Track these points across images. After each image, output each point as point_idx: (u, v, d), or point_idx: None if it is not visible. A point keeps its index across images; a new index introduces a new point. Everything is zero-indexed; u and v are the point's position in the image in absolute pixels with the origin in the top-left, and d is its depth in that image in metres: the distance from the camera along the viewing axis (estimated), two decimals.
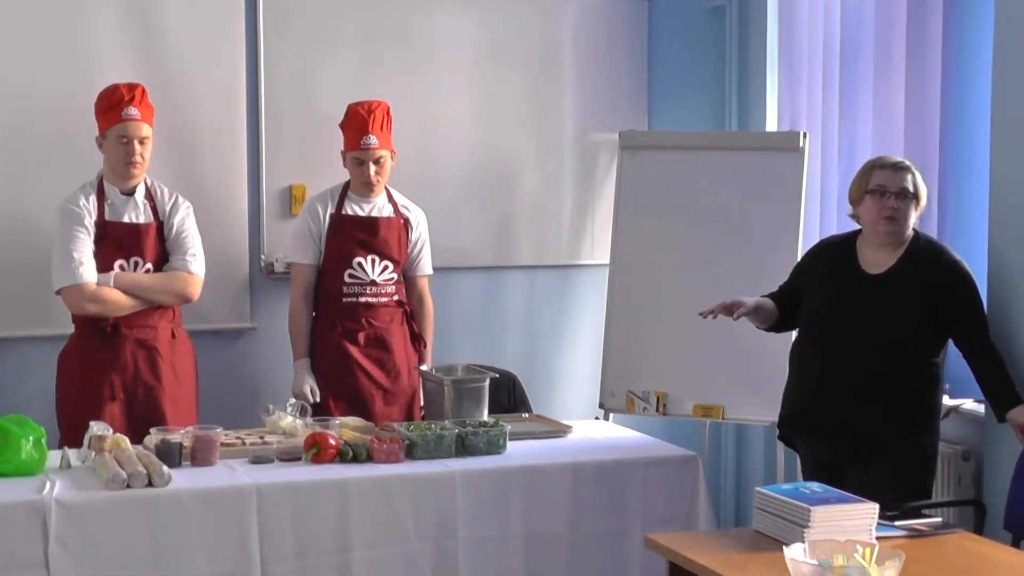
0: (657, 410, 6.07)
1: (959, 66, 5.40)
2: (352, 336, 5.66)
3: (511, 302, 6.69)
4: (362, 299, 5.67)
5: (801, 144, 5.97)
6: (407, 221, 5.79)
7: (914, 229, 4.74)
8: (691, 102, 6.83)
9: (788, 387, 4.94)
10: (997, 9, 4.95)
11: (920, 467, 4.63)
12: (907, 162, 4.76)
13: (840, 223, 5.81)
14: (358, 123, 5.62)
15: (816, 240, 5.68)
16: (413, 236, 5.81)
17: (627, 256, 6.23)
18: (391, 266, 5.73)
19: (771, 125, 6.56)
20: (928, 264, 4.65)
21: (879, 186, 4.68)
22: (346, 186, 5.73)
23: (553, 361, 6.66)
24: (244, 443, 4.80)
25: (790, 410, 4.90)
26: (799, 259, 5.28)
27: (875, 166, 4.75)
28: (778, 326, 5.00)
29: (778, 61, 6.57)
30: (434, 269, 6.02)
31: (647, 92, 6.76)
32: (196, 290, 5.50)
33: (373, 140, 5.59)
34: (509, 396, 5.94)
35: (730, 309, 4.77)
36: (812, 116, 6.27)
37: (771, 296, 4.99)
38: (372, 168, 5.62)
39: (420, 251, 5.85)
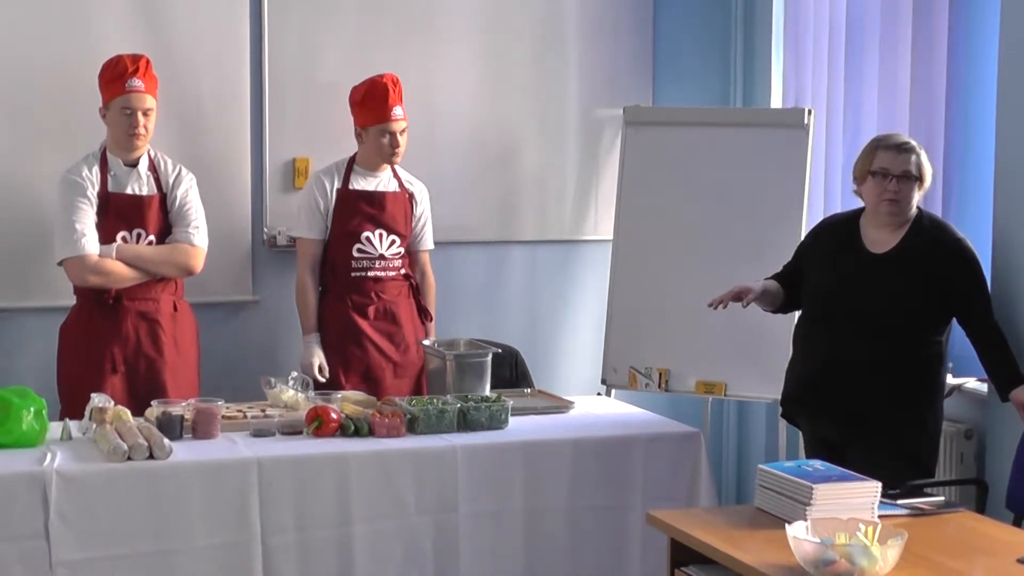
0: (659, 386, 6.06)
1: (965, 43, 5.38)
2: (362, 310, 5.67)
3: (513, 277, 6.69)
4: (371, 273, 5.67)
5: (806, 121, 5.96)
6: (411, 196, 5.80)
7: (918, 207, 4.73)
8: (696, 78, 6.82)
9: (791, 365, 4.96)
10: None
11: (922, 446, 4.64)
12: (912, 142, 4.73)
13: (845, 200, 5.81)
14: (383, 95, 5.62)
15: (820, 217, 5.66)
16: (417, 211, 5.82)
17: (630, 232, 6.24)
18: (398, 240, 5.73)
19: (776, 102, 6.55)
20: (932, 243, 4.64)
21: (881, 168, 4.66)
22: (351, 160, 5.72)
23: (555, 336, 6.65)
24: (246, 416, 4.82)
25: (793, 388, 4.91)
26: (803, 237, 5.27)
27: (879, 147, 4.73)
28: (784, 307, 5.01)
29: (783, 37, 6.56)
30: (437, 244, 6.04)
31: (652, 67, 6.74)
32: (199, 262, 5.50)
33: (399, 111, 5.64)
34: (511, 371, 5.93)
35: (739, 296, 4.77)
36: (817, 93, 6.26)
37: (775, 277, 5.00)
38: (399, 139, 5.63)
39: (423, 226, 5.85)
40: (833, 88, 6.16)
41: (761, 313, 5.30)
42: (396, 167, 5.78)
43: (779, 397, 5.22)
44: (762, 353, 5.86)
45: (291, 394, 4.98)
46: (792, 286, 4.94)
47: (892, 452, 4.52)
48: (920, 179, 4.66)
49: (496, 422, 4.87)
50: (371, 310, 5.67)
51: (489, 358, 5.26)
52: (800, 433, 5.07)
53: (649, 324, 6.16)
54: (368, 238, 5.66)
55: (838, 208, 5.87)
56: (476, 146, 6.51)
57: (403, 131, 5.65)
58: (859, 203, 4.87)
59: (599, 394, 5.96)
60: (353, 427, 4.69)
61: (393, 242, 5.71)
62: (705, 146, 6.16)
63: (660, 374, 6.05)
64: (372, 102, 5.64)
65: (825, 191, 6.15)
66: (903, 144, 4.71)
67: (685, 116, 6.32)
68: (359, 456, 4.56)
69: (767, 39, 6.61)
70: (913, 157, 4.66)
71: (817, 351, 4.77)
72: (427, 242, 5.88)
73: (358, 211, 5.66)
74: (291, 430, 4.72)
